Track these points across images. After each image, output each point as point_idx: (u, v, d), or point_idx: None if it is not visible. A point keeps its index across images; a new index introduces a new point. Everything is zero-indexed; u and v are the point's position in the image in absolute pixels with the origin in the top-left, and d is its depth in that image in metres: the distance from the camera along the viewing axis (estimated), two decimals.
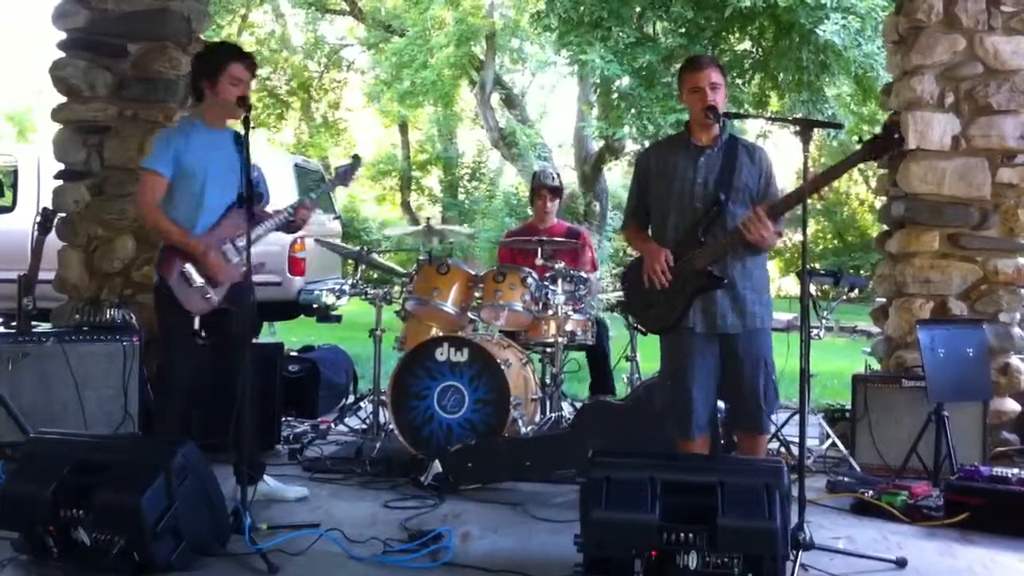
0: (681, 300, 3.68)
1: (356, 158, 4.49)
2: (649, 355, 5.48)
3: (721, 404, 4.10)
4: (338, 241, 9.25)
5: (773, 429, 4.78)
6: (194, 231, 3.98)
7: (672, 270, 3.69)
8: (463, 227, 8.16)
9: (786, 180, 17.25)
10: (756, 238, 3.55)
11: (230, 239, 4.02)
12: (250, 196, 3.78)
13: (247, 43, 20.41)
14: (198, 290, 3.97)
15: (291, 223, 4.22)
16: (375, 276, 6.05)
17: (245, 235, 3.78)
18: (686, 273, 3.68)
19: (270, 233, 4.18)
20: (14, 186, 8.43)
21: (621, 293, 5.01)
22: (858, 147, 3.51)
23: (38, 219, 4.86)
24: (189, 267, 3.96)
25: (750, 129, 15.97)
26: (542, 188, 5.88)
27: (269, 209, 4.29)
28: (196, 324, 4.03)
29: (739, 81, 11.10)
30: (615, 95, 12.50)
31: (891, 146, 3.49)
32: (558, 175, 6.14)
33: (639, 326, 3.95)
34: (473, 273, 5.20)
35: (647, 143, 11.93)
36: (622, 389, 5.86)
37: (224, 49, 4.18)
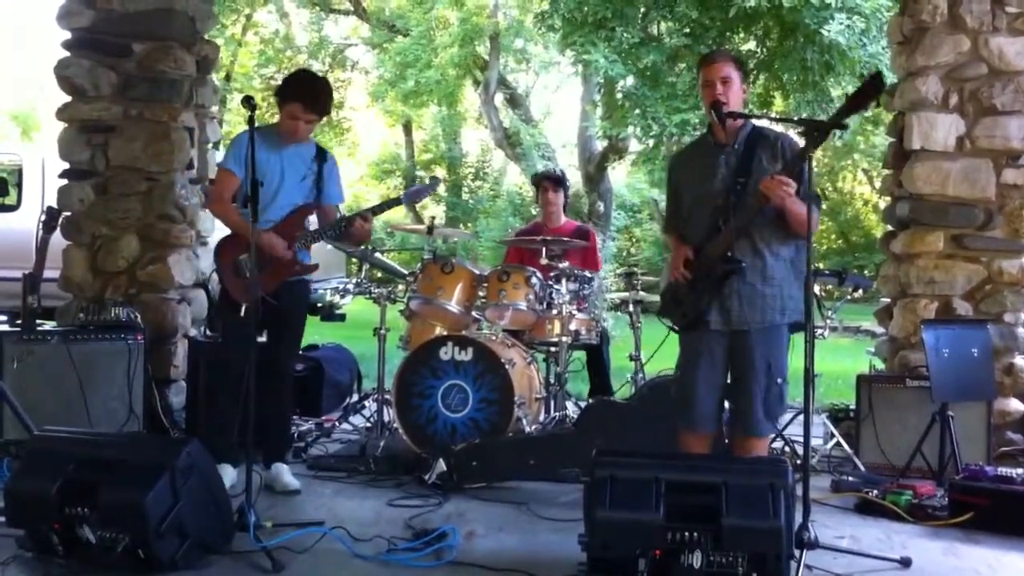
0: (706, 292, 3.62)
1: (435, 180, 4.84)
2: (653, 355, 5.48)
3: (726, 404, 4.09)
4: None
5: (774, 432, 4.76)
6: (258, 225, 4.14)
7: (694, 264, 3.66)
8: (463, 229, 8.11)
9: None
10: (780, 195, 3.39)
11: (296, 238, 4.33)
12: (254, 193, 3.79)
13: (251, 43, 20.43)
14: (246, 280, 4.17)
15: (349, 233, 4.39)
16: (379, 275, 6.05)
17: (305, 236, 4.19)
18: (707, 263, 3.63)
19: (325, 238, 4.44)
20: (19, 185, 8.45)
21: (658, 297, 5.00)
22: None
23: (43, 218, 4.87)
24: (244, 257, 4.21)
25: None
26: (544, 180, 5.97)
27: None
28: (242, 312, 4.17)
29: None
30: (619, 95, 12.46)
31: (874, 92, 3.36)
32: (562, 172, 6.22)
33: (673, 326, 3.88)
34: (477, 272, 5.20)
35: (651, 143, 11.90)
36: (625, 390, 5.86)
37: (294, 85, 4.40)
